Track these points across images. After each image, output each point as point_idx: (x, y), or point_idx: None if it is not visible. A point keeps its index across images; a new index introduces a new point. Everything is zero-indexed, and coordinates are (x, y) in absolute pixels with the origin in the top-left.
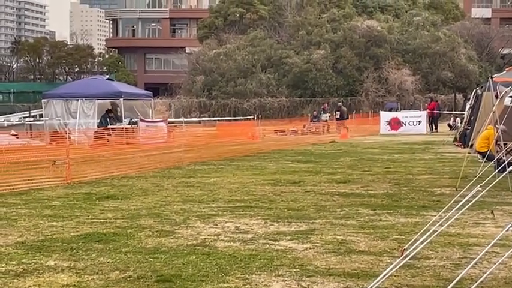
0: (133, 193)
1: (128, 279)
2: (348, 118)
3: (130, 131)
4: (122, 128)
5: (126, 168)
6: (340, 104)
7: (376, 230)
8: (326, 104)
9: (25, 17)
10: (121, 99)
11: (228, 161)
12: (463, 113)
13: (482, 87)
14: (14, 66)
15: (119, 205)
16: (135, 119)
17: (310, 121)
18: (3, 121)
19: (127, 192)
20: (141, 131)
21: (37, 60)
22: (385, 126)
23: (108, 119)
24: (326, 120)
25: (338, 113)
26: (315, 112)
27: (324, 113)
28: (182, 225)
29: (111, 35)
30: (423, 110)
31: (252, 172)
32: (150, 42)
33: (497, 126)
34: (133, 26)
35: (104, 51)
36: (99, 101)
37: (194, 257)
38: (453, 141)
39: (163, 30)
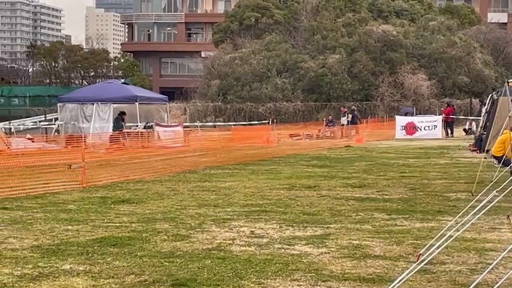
0: (148, 197)
1: (144, 283)
2: (357, 123)
3: (146, 135)
4: (138, 132)
5: (142, 172)
6: (354, 107)
7: (392, 234)
8: (345, 108)
9: (41, 21)
10: (136, 103)
11: (243, 165)
12: (479, 117)
13: (498, 92)
14: (29, 70)
15: (134, 209)
16: (150, 123)
17: (325, 125)
18: (19, 125)
19: (142, 196)
20: (160, 136)
21: (53, 64)
22: (400, 130)
23: (122, 122)
24: (343, 125)
25: (350, 115)
26: (330, 117)
27: (343, 116)
28: (197, 230)
29: (126, 39)
30: (439, 114)
31: (267, 176)
32: (166, 46)
33: None
34: (148, 30)
35: (119, 56)
36: (114, 105)
37: (209, 261)
38: (469, 146)
39: (178, 34)
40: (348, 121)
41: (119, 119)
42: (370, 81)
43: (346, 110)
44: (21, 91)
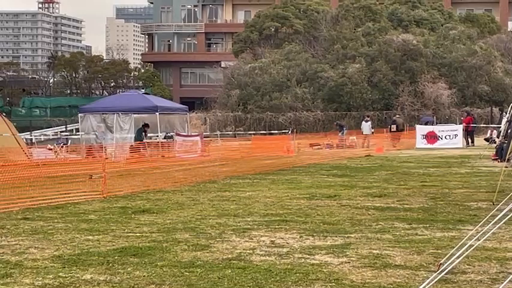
0: (168, 207)
1: None
2: (404, 130)
3: (166, 145)
4: (158, 142)
5: (162, 183)
6: (395, 117)
7: (412, 244)
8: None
9: (62, 32)
10: (157, 114)
11: (263, 175)
12: (500, 126)
13: None
14: (50, 81)
15: (154, 219)
16: (171, 133)
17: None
18: (40, 135)
19: (163, 206)
20: (178, 146)
21: (73, 75)
22: (421, 140)
23: (143, 133)
24: (367, 135)
25: (394, 126)
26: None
27: (366, 121)
28: (217, 239)
29: (146, 49)
30: (459, 123)
31: (287, 186)
32: (186, 56)
33: None
34: (169, 41)
35: (139, 66)
36: (135, 115)
37: (229, 271)
38: (490, 155)
39: (198, 44)
40: (393, 131)
41: (141, 131)
42: (390, 91)
43: (368, 116)
44: (42, 102)
